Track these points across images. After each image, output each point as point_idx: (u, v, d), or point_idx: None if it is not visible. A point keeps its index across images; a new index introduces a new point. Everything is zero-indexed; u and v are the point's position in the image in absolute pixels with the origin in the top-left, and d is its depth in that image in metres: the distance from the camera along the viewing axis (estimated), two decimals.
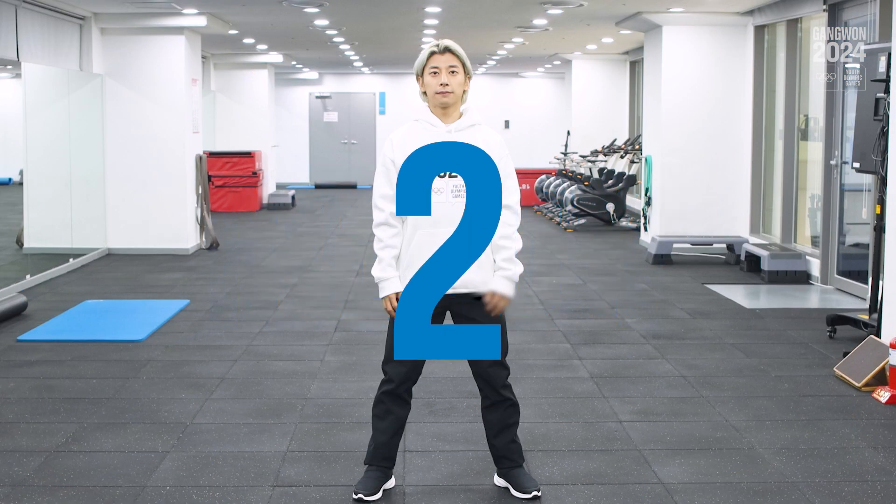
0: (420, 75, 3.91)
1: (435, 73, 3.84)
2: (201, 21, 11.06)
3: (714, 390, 5.52)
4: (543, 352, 6.45)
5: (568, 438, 4.68)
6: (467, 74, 3.91)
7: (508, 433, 3.97)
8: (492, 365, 3.89)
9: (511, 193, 3.86)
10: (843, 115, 8.72)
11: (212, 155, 16.04)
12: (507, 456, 3.99)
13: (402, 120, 27.04)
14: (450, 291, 3.80)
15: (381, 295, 3.84)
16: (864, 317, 6.51)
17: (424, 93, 3.90)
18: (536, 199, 16.69)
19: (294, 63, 20.18)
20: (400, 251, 3.86)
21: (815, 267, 9.17)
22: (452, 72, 3.84)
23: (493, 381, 3.90)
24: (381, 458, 3.96)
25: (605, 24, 12.47)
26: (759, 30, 10.88)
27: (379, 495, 3.94)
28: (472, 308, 3.86)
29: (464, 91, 3.88)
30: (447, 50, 3.86)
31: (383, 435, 3.94)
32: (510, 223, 3.85)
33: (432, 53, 3.86)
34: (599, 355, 6.34)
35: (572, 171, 15.62)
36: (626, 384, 5.65)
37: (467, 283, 3.80)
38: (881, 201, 6.11)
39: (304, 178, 23.61)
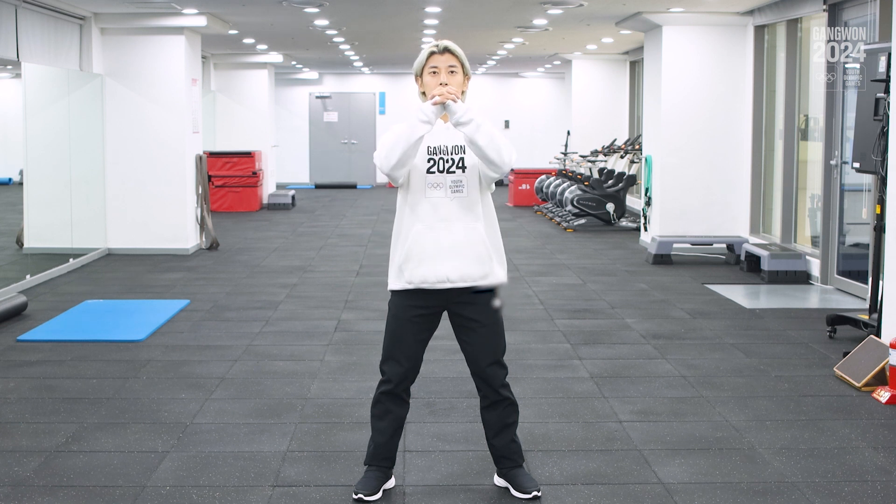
0: (419, 75, 3.91)
1: (434, 72, 3.85)
2: (201, 21, 11.06)
3: (714, 390, 5.52)
4: (543, 352, 6.45)
5: (568, 438, 4.68)
6: (466, 75, 3.91)
7: (508, 433, 3.97)
8: (490, 364, 3.89)
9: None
10: (843, 115, 8.72)
11: (212, 155, 16.05)
12: (506, 456, 3.98)
13: (402, 120, 27.15)
14: (448, 286, 3.80)
15: (427, 105, 3.74)
16: (864, 317, 6.51)
17: (423, 93, 3.90)
18: (536, 199, 16.69)
19: (294, 63, 20.18)
20: (397, 244, 3.88)
21: (815, 267, 9.17)
22: (452, 72, 3.85)
23: (491, 380, 3.90)
24: (381, 458, 3.96)
25: (605, 24, 12.48)
26: (759, 30, 10.88)
27: (379, 495, 3.94)
28: (469, 306, 3.86)
29: (462, 91, 3.88)
30: (446, 50, 3.86)
31: (382, 435, 3.94)
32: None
33: (432, 53, 3.86)
34: (599, 355, 6.34)
35: (572, 171, 15.62)
36: (626, 384, 5.65)
37: (465, 276, 3.81)
38: (881, 201, 6.10)
39: (304, 178, 23.61)
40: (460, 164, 3.83)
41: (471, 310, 3.86)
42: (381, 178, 23.63)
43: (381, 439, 3.94)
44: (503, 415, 3.95)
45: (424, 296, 3.85)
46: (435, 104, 3.73)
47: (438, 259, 3.79)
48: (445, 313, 3.95)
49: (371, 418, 3.97)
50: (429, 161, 3.82)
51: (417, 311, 3.86)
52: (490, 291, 3.88)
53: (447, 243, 3.79)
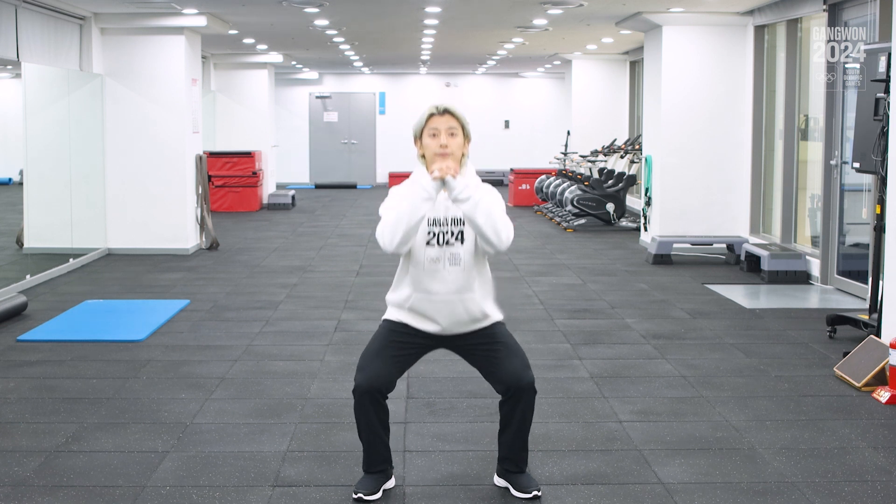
0: (418, 137, 3.86)
1: (434, 134, 3.80)
2: (201, 21, 11.06)
3: (714, 390, 5.52)
4: (543, 352, 6.45)
5: (568, 438, 4.68)
6: (466, 136, 3.86)
7: (523, 436, 3.95)
8: (520, 370, 3.87)
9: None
10: (843, 115, 8.72)
11: (212, 155, 16.05)
12: (513, 459, 3.98)
13: (402, 120, 26.77)
14: (442, 333, 3.88)
15: (428, 181, 3.70)
16: (864, 317, 6.51)
17: (423, 155, 3.85)
18: (536, 199, 16.69)
19: (294, 63, 20.18)
20: (396, 295, 3.91)
21: (815, 267, 9.17)
22: (452, 134, 3.81)
23: (525, 388, 3.85)
24: (378, 462, 3.96)
25: (605, 24, 12.47)
26: (759, 30, 10.88)
27: (379, 495, 3.94)
28: (471, 336, 3.91)
29: (463, 154, 3.84)
30: (447, 111, 3.82)
31: (372, 445, 3.93)
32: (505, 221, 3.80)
33: (431, 115, 3.82)
34: (599, 355, 6.34)
35: (572, 171, 15.62)
36: (626, 384, 5.65)
37: (461, 328, 3.90)
38: (881, 201, 6.11)
39: (304, 178, 23.61)
40: (459, 237, 3.82)
41: (475, 335, 3.91)
42: (381, 179, 23.65)
43: (372, 448, 3.93)
44: (524, 417, 3.91)
45: (421, 334, 3.90)
46: (435, 179, 3.70)
47: (434, 320, 3.87)
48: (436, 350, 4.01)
49: (357, 430, 3.93)
50: (428, 233, 3.80)
51: (409, 336, 3.90)
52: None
53: (443, 310, 3.85)
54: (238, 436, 4.73)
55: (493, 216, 3.72)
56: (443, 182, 3.71)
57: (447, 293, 3.82)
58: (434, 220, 3.80)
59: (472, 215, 3.70)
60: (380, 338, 3.92)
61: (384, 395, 3.85)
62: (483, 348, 3.90)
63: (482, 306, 3.88)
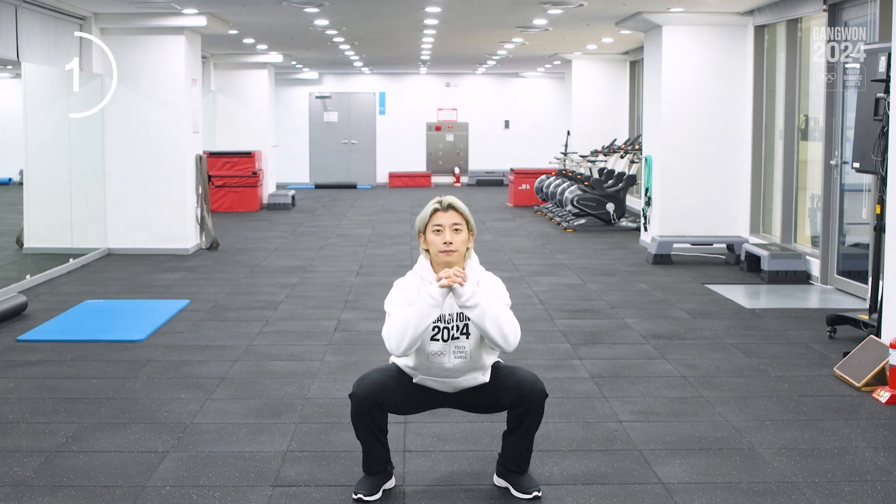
0: (422, 231, 3.88)
1: (438, 230, 3.82)
2: (201, 21, 11.06)
3: (714, 390, 5.52)
4: (543, 352, 6.45)
5: (568, 438, 4.68)
6: (471, 231, 3.88)
7: (529, 439, 3.95)
8: (536, 379, 3.92)
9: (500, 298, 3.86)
10: (843, 115, 8.72)
11: (212, 155, 16.05)
12: (516, 459, 3.98)
13: (402, 120, 26.75)
14: (444, 389, 3.91)
15: (435, 289, 3.72)
16: (864, 317, 6.51)
17: (426, 250, 3.87)
18: (536, 199, 16.69)
19: (294, 63, 20.18)
20: (403, 365, 3.93)
21: (815, 267, 9.17)
22: (456, 229, 3.82)
23: (538, 395, 3.88)
24: (378, 463, 3.96)
25: (605, 24, 12.48)
26: (759, 30, 10.88)
27: (379, 495, 3.94)
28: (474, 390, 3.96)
29: (468, 248, 3.87)
30: (450, 207, 3.84)
31: (371, 447, 3.93)
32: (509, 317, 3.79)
33: (435, 210, 3.84)
34: (599, 355, 6.34)
35: (572, 171, 15.62)
36: (626, 384, 5.65)
37: (456, 387, 3.93)
38: (881, 201, 6.11)
39: (304, 178, 23.61)
40: (464, 331, 3.83)
41: (477, 390, 3.95)
42: (382, 179, 23.64)
43: (371, 450, 3.93)
44: (534, 421, 3.92)
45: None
46: (442, 286, 3.70)
47: (439, 390, 3.94)
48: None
49: (355, 433, 3.94)
50: (433, 329, 3.81)
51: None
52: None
53: (449, 385, 3.91)
54: (238, 436, 4.73)
55: (500, 321, 3.72)
56: (450, 287, 3.72)
57: (451, 378, 3.88)
58: (440, 315, 3.80)
59: (481, 322, 3.71)
60: (386, 367, 3.98)
61: (381, 405, 3.86)
62: (489, 380, 3.94)
63: (487, 372, 3.93)
